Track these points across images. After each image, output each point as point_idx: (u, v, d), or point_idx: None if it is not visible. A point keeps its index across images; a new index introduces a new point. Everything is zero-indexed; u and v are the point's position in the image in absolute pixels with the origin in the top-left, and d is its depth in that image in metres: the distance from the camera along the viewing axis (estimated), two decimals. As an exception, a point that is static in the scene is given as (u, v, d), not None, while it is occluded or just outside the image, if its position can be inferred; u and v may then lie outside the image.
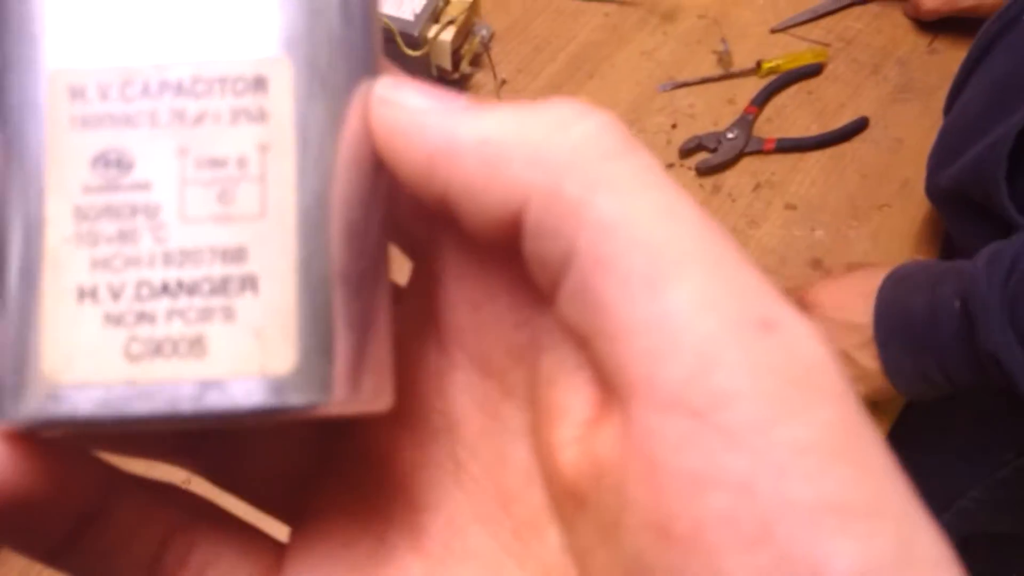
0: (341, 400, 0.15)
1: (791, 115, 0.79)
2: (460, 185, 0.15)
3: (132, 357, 0.14)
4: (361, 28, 0.16)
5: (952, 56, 0.79)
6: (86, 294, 0.15)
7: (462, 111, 0.15)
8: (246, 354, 0.14)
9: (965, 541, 0.83)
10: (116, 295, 0.15)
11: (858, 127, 0.77)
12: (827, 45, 0.82)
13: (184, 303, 0.15)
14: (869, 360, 0.57)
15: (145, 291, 0.15)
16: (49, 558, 0.16)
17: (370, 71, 0.16)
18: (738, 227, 0.72)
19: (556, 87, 0.82)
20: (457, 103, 0.15)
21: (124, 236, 0.15)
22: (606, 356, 0.14)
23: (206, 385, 0.14)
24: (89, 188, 0.15)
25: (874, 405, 0.63)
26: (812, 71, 0.80)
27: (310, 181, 0.15)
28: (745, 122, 0.77)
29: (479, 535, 0.17)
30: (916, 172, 0.70)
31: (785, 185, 0.75)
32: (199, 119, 0.15)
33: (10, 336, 0.15)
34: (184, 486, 0.18)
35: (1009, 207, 0.55)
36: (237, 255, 0.15)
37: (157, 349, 0.14)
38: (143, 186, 0.15)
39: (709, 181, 0.75)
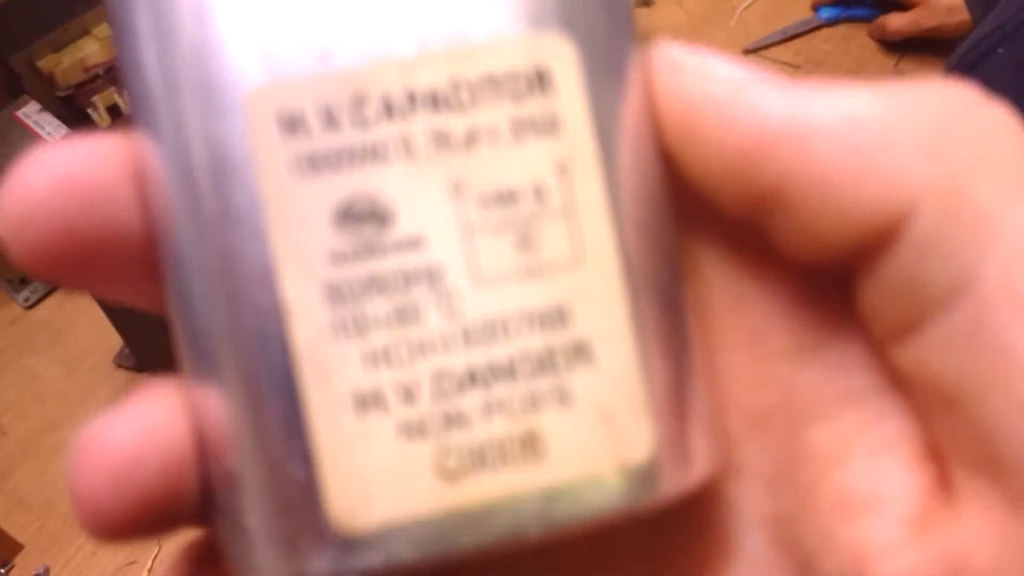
0: (707, 471, 0.12)
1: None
2: (807, 182, 0.11)
3: (449, 476, 0.11)
4: None
5: (917, 77, 0.81)
6: (368, 402, 0.11)
7: (798, 85, 0.11)
8: (596, 445, 0.11)
9: None
10: (409, 396, 0.11)
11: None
12: (797, 67, 0.84)
13: (503, 392, 0.11)
14: None
15: (448, 384, 0.11)
16: None
17: (636, 30, 0.12)
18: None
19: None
20: (781, 77, 0.11)
21: (403, 315, 0.11)
22: (1007, 430, 0.10)
23: (553, 495, 0.11)
24: (340, 256, 0.11)
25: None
26: (786, 91, 0.82)
27: (621, 202, 0.11)
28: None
29: None
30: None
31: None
32: (471, 140, 0.11)
33: (267, 472, 0.11)
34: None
35: None
36: (558, 318, 0.11)
37: (480, 459, 0.11)
38: (414, 243, 0.11)
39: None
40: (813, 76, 0.82)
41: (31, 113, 0.67)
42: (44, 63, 0.69)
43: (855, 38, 0.86)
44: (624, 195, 0.11)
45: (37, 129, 0.67)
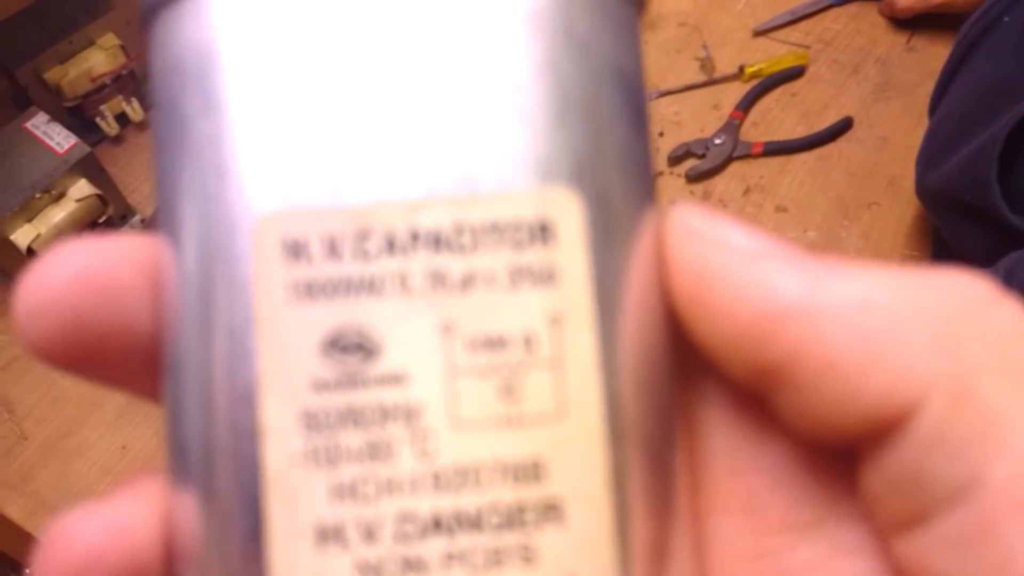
0: None
1: (776, 118, 0.79)
2: (815, 363, 0.11)
3: None
4: (646, 140, 0.12)
5: (930, 53, 0.80)
6: (329, 535, 0.11)
7: (812, 262, 0.11)
8: None
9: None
10: (370, 536, 0.11)
11: (843, 127, 0.77)
12: (807, 47, 0.82)
13: (466, 543, 0.11)
14: None
15: (410, 528, 0.11)
16: None
17: (653, 195, 0.12)
18: (731, 232, 0.73)
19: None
20: (796, 251, 0.12)
21: (375, 451, 0.11)
22: None
23: None
24: (322, 384, 0.11)
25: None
26: (794, 73, 0.81)
27: (613, 359, 0.11)
28: (731, 127, 0.78)
29: None
30: (902, 169, 0.71)
31: (774, 188, 0.75)
32: (467, 283, 0.11)
33: None
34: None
35: (1003, 207, 0.55)
36: (532, 472, 0.11)
37: None
38: (397, 379, 0.11)
39: (699, 187, 0.76)
40: (823, 56, 0.81)
41: (40, 124, 0.68)
42: (51, 75, 0.70)
43: (865, 16, 0.84)
44: (619, 353, 0.11)
45: (47, 139, 0.68)
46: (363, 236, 0.11)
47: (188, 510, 0.11)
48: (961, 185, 0.59)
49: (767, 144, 0.77)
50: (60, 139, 0.69)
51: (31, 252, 0.67)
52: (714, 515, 0.13)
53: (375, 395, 0.11)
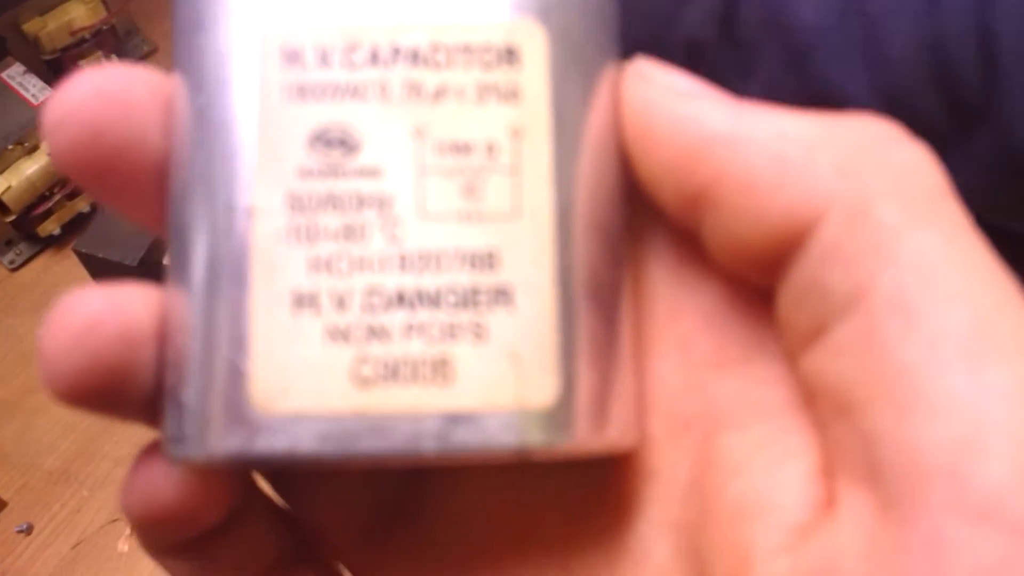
0: (609, 440, 0.13)
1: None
2: (734, 183, 0.12)
3: (362, 382, 0.12)
4: None
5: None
6: (304, 302, 0.12)
7: (741, 104, 0.13)
8: (501, 382, 0.12)
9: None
10: (341, 304, 0.12)
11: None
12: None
13: (425, 317, 0.12)
14: None
15: (377, 300, 0.12)
16: (159, 555, 0.15)
17: (616, 46, 0.14)
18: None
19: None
20: (725, 96, 0.13)
21: (350, 232, 0.12)
22: (884, 434, 0.11)
23: (453, 419, 0.12)
24: (307, 172, 0.12)
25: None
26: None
27: (566, 174, 0.13)
28: None
29: None
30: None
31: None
32: (439, 94, 0.13)
33: (207, 353, 0.12)
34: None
35: None
36: (487, 261, 0.12)
37: (393, 373, 0.12)
38: (372, 172, 0.12)
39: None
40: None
41: (16, 75, 0.67)
42: (29, 26, 0.68)
43: None
44: (573, 169, 0.13)
45: (22, 91, 0.67)
46: (351, 49, 0.13)
47: (181, 289, 0.13)
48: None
49: None
50: (36, 91, 0.68)
51: (2, 206, 0.66)
52: (652, 354, 0.14)
53: (353, 184, 0.12)
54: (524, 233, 0.12)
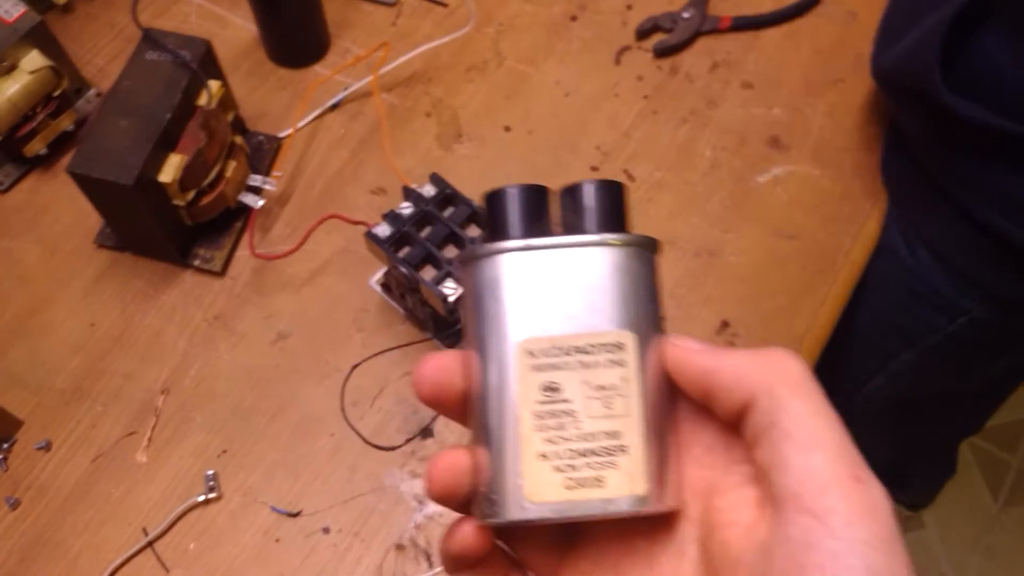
0: (669, 505, 0.28)
1: (745, -9, 0.78)
2: (719, 387, 0.28)
3: (568, 488, 0.27)
4: (657, 306, 0.29)
5: None
6: (543, 457, 0.28)
7: (722, 350, 0.28)
8: (624, 485, 0.28)
9: (904, 402, 0.88)
10: (558, 457, 0.28)
11: (812, 1, 0.77)
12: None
13: (592, 460, 0.28)
14: None
15: (571, 455, 0.28)
16: (455, 572, 0.30)
17: (661, 325, 0.29)
18: (697, 108, 0.73)
19: (508, -29, 0.80)
20: (716, 347, 0.28)
21: (559, 426, 0.28)
22: (777, 480, 0.26)
23: (606, 502, 0.28)
24: (540, 402, 0.28)
25: (828, 267, 0.66)
26: (764, -55, 0.79)
27: (648, 394, 0.28)
28: (700, 1, 0.77)
29: None
30: (869, 46, 0.71)
31: (741, 64, 0.75)
32: (592, 365, 0.28)
33: (502, 474, 0.28)
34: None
35: (943, 91, 0.56)
36: (615, 435, 0.28)
37: (580, 484, 0.28)
38: (566, 400, 0.28)
39: (667, 63, 0.75)
40: None
41: (-15, -9, 0.65)
42: (-7, -64, 0.66)
43: None
44: (649, 391, 0.28)
45: (-7, 7, 0.65)
46: (555, 347, 0.28)
47: (484, 446, 0.29)
48: (909, 67, 0.59)
49: (735, 19, 0.76)
50: (8, 6, 0.66)
51: (-15, 127, 0.65)
52: (688, 455, 0.30)
53: (558, 407, 0.28)
54: (631, 422, 0.28)
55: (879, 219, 0.69)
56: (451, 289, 0.56)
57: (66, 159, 0.71)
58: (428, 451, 0.61)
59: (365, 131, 0.73)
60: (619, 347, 0.28)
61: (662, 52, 0.75)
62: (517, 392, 0.27)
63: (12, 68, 0.65)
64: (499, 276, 0.28)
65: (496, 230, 0.30)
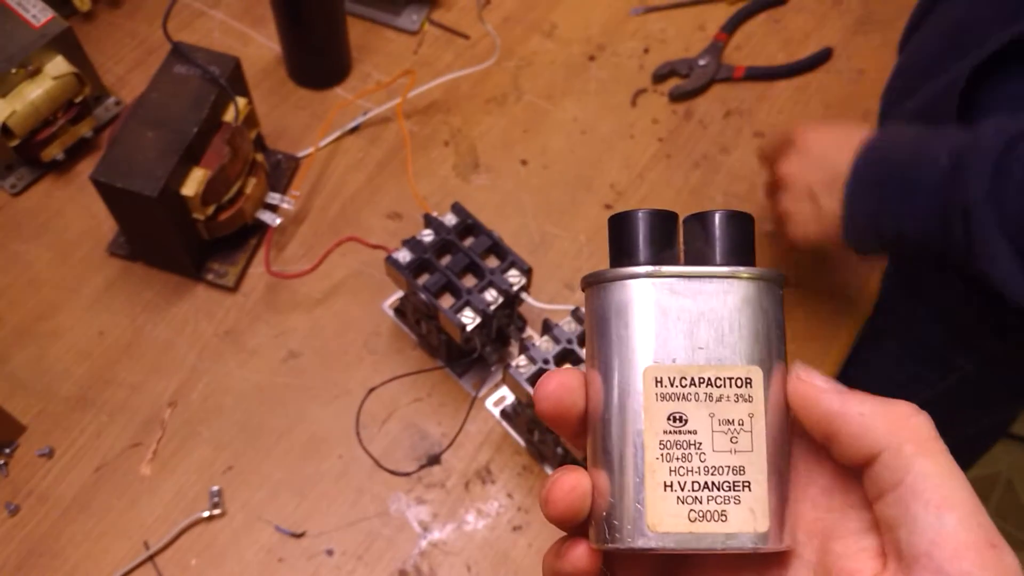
0: (788, 544, 0.28)
1: (759, 43, 0.80)
2: (844, 434, 0.27)
3: (691, 521, 0.27)
4: (784, 341, 0.29)
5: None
6: (667, 487, 0.27)
7: (848, 392, 0.28)
8: (747, 522, 0.27)
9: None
10: (682, 488, 0.27)
11: (822, 57, 0.79)
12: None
13: (716, 494, 0.27)
14: (829, 200, 0.58)
15: (696, 487, 0.27)
16: None
17: (785, 360, 0.29)
18: (710, 154, 0.75)
19: (530, 7, 0.81)
20: (841, 387, 0.28)
21: (684, 457, 0.27)
22: (905, 538, 0.25)
23: (728, 536, 0.27)
24: (665, 432, 0.28)
25: (849, 304, 0.67)
26: (779, 0, 0.82)
27: (771, 430, 0.28)
28: (715, 49, 0.79)
29: None
30: (876, 103, 0.74)
31: (754, 113, 0.77)
32: (720, 398, 0.28)
33: (623, 500, 0.28)
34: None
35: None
36: (740, 471, 0.28)
37: (703, 517, 0.27)
38: (692, 432, 0.28)
39: (682, 107, 0.77)
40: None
41: (16, -6, 0.65)
42: (27, -59, 0.66)
43: None
44: (772, 428, 0.28)
45: (22, 12, 0.66)
46: (682, 377, 0.28)
47: (606, 471, 0.28)
48: (924, 122, 0.61)
49: (749, 69, 0.78)
50: (36, 12, 0.66)
51: (6, 130, 0.65)
52: (805, 497, 0.29)
53: (684, 438, 0.28)
54: (756, 459, 0.28)
55: (880, 274, 0.71)
56: (469, 318, 0.57)
57: (81, 165, 0.71)
58: (435, 478, 0.61)
59: (383, 156, 0.73)
60: (747, 383, 0.28)
61: (678, 97, 0.77)
62: (643, 419, 0.27)
63: (36, 72, 0.66)
64: (629, 300, 0.28)
65: (624, 254, 0.29)
